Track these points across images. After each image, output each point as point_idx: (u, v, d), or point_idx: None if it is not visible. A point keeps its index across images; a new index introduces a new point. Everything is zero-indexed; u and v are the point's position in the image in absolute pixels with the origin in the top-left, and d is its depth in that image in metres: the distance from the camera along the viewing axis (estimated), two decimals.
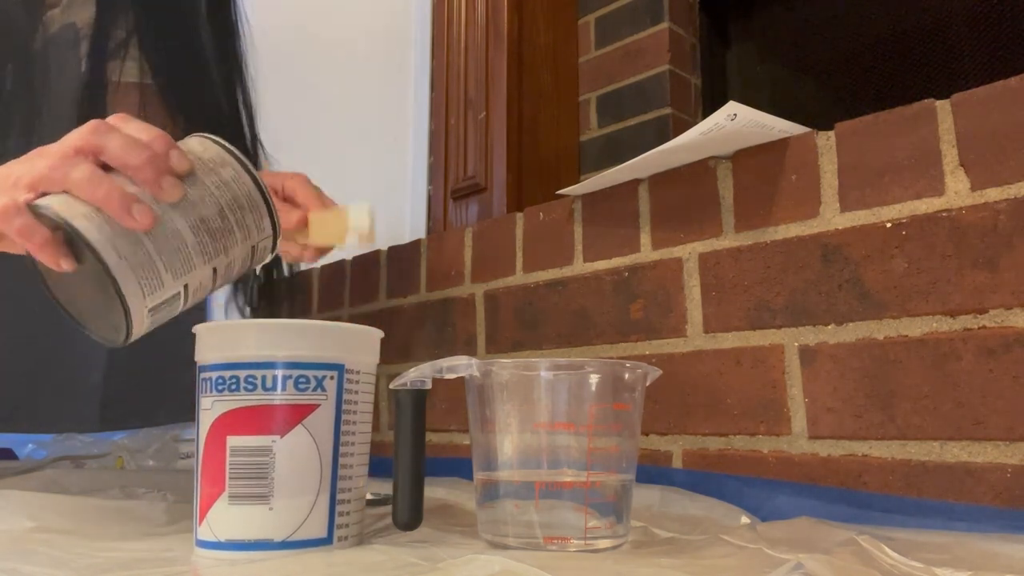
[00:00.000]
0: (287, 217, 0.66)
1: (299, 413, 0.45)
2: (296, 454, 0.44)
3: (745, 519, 0.54)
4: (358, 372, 0.48)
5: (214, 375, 0.45)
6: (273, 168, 0.83)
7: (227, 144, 0.51)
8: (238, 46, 0.84)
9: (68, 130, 0.48)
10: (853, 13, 1.07)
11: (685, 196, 0.70)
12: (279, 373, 0.45)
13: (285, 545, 0.44)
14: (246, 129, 0.84)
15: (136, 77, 0.79)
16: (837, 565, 0.37)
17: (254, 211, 0.51)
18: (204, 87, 0.81)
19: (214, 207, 0.49)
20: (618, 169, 0.71)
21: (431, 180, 1.31)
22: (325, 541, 0.45)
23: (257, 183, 0.51)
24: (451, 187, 1.25)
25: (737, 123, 0.61)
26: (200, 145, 0.51)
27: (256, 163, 0.84)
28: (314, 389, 0.45)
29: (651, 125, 1.15)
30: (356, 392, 0.47)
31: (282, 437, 0.44)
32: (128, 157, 0.46)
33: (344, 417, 0.46)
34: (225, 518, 0.44)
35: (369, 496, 0.65)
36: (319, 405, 0.45)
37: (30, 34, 0.74)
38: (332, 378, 0.46)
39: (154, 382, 0.91)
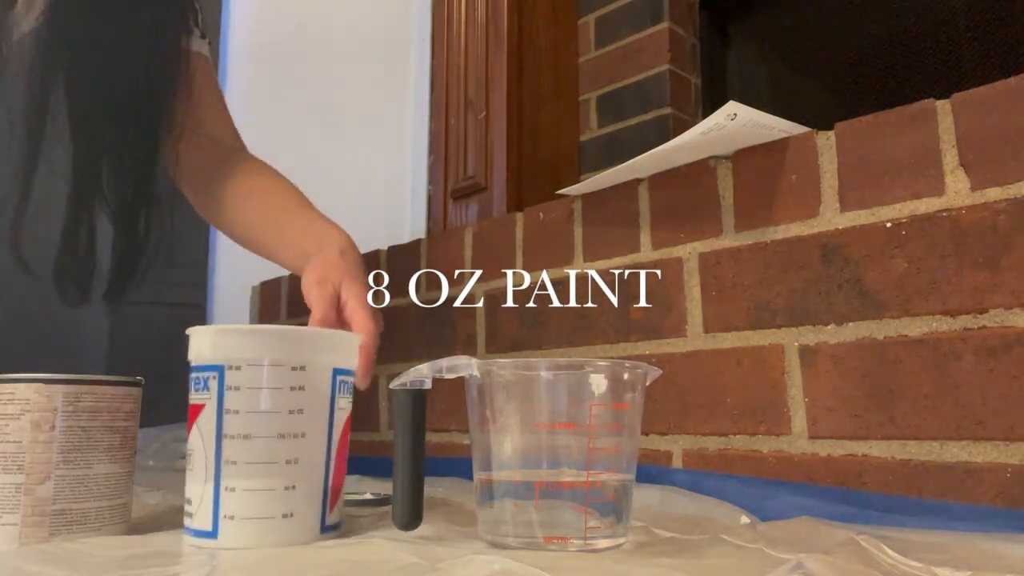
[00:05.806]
0: None
1: (195, 412, 0.49)
2: (193, 451, 0.48)
3: (745, 519, 0.54)
4: (239, 368, 0.48)
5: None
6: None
7: None
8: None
9: None
10: (853, 13, 1.07)
11: (685, 196, 0.70)
12: (194, 375, 0.49)
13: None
14: None
15: None
16: (837, 565, 0.37)
17: None
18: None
19: None
20: (618, 169, 0.71)
21: (431, 180, 1.31)
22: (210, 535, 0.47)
23: None
24: (451, 187, 1.25)
25: (737, 123, 0.61)
26: None
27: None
28: (202, 389, 0.49)
29: (651, 125, 1.15)
30: (239, 388, 0.48)
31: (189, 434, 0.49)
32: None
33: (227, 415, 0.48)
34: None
35: (369, 496, 0.65)
36: (204, 405, 0.48)
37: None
38: (214, 378, 0.48)
39: (154, 382, 0.91)
